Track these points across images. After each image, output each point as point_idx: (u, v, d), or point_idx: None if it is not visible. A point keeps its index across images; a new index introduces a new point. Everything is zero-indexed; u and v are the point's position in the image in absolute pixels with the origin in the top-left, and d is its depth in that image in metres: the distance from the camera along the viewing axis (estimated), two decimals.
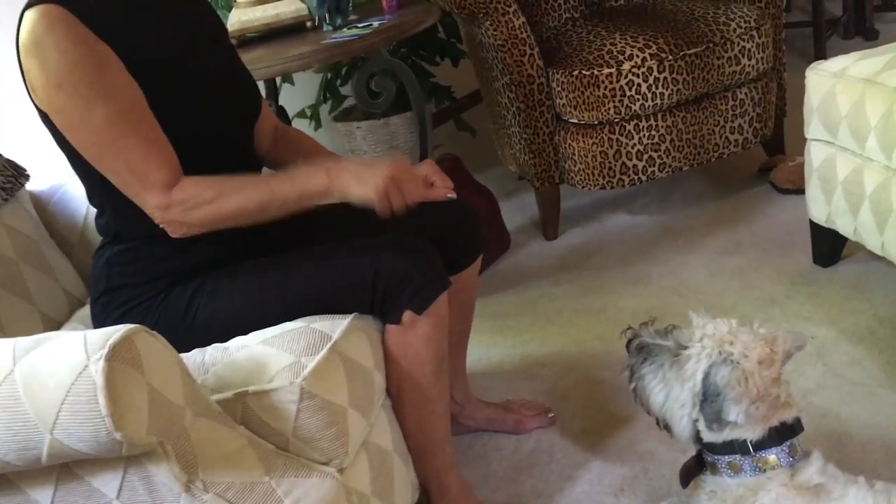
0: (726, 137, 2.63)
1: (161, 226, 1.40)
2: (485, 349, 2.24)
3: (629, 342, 1.31)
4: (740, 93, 2.60)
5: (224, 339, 1.38)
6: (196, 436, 1.16)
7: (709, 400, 1.21)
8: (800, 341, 1.28)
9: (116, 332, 1.05)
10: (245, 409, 1.26)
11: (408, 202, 1.39)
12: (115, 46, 1.36)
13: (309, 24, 2.55)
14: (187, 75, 1.47)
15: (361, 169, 1.39)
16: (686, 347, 1.24)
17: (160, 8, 1.50)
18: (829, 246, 2.25)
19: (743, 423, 1.20)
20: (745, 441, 1.23)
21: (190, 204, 1.37)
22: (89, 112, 1.33)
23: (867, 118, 1.86)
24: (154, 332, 1.12)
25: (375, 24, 2.44)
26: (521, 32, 2.51)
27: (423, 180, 1.64)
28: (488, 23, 2.51)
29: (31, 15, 1.33)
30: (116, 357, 1.03)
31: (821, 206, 2.13)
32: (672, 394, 1.25)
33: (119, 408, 1.02)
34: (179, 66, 1.46)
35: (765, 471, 1.22)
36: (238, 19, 2.51)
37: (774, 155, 2.86)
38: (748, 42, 2.53)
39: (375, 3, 2.73)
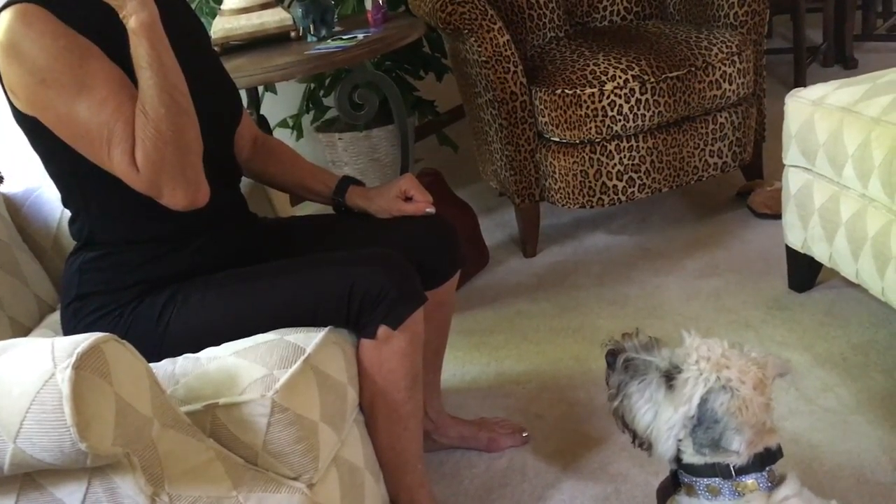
0: (706, 160, 2.64)
1: (167, 204, 1.34)
2: (460, 365, 2.23)
3: (613, 354, 1.27)
4: (720, 117, 2.62)
5: (196, 350, 1.37)
6: (163, 448, 1.14)
7: (704, 425, 1.18)
8: (784, 369, 1.26)
9: (85, 340, 1.03)
10: (214, 421, 1.24)
11: None
12: (95, 44, 1.33)
13: (293, 34, 2.55)
14: None
15: None
16: (680, 370, 1.20)
17: None
18: (804, 271, 2.26)
19: (743, 452, 1.18)
20: (727, 465, 1.21)
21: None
22: (75, 103, 1.29)
23: (845, 147, 1.88)
24: (124, 340, 1.10)
25: (360, 36, 2.44)
26: (506, 50, 2.52)
27: (402, 194, 1.65)
28: (473, 39, 2.51)
29: (6, 15, 1.30)
30: (84, 366, 1.01)
31: (797, 232, 2.15)
32: (662, 415, 1.21)
33: (85, 418, 1.00)
34: None
35: (743, 495, 1.21)
36: (222, 27, 2.50)
37: (753, 179, 2.88)
38: (729, 67, 2.56)
39: (361, 16, 2.73)
